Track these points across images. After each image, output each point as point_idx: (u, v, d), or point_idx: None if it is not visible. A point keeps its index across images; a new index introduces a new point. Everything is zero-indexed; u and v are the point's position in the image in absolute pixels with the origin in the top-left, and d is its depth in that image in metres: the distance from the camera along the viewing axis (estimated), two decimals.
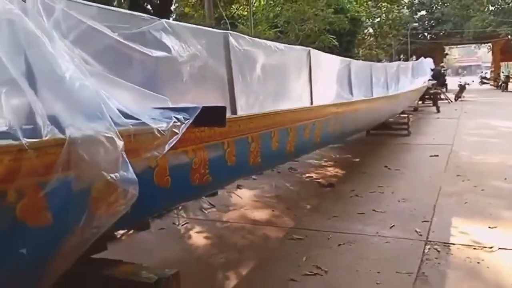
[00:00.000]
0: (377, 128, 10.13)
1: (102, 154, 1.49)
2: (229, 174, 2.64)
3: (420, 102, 16.37)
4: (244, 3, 12.96)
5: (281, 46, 4.42)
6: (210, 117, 2.08)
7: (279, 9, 11.15)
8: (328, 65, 5.86)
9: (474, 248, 3.35)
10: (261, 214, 4.61)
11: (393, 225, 3.95)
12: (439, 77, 18.68)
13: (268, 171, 6.59)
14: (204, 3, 10.95)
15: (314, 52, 5.10)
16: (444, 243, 3.48)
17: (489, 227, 3.77)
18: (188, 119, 1.94)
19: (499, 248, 3.32)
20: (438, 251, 3.33)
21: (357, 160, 7.48)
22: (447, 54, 37.40)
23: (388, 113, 8.97)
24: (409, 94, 11.01)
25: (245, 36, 3.67)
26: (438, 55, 32.77)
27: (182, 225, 4.38)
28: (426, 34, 31.89)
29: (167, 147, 1.83)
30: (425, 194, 4.85)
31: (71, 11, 2.08)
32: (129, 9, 7.09)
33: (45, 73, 1.60)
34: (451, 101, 18.33)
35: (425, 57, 18.01)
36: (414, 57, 21.58)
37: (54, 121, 1.47)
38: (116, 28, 2.30)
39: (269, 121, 2.97)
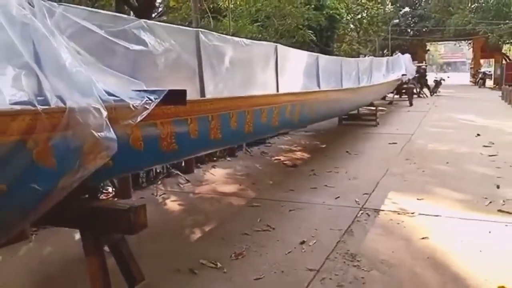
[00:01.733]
0: (348, 118, 10.92)
1: (92, 119, 2.13)
2: (193, 145, 3.29)
3: (397, 96, 17.22)
4: None
5: (248, 41, 5.11)
6: (174, 98, 2.73)
7: (260, 4, 11.71)
8: (296, 59, 6.55)
9: (399, 213, 4.07)
10: (229, 188, 5.29)
11: (338, 197, 4.66)
12: (423, 76, 19.65)
13: (241, 154, 7.29)
14: None
15: (281, 48, 5.80)
16: (375, 209, 4.20)
17: (417, 199, 4.50)
18: (157, 98, 2.59)
19: (419, 214, 4.05)
20: (368, 215, 4.05)
21: (323, 146, 8.19)
22: (428, 50, 38.40)
23: (356, 103, 9.69)
24: (379, 87, 11.76)
25: (214, 33, 4.34)
26: (420, 51, 33.72)
27: (160, 195, 5.04)
28: (409, 30, 32.73)
29: (139, 118, 2.47)
30: (373, 174, 5.58)
31: (67, 14, 2.71)
32: (116, 4, 7.64)
33: (51, 61, 2.22)
34: (426, 96, 19.22)
35: (408, 53, 18.87)
36: (398, 52, 22.42)
37: (58, 95, 2.10)
38: (103, 26, 2.94)
39: (228, 104, 3.62)
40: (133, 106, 2.44)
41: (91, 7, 7.89)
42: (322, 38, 14.58)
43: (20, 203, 2.00)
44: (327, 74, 7.77)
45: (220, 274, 2.97)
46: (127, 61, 3.13)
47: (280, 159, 7.01)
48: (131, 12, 8.05)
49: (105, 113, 2.20)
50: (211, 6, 12.68)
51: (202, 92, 3.94)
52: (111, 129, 2.21)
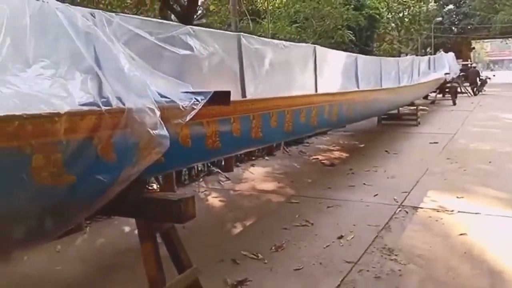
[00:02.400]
0: (387, 118, 10.83)
1: (147, 118, 2.36)
2: (235, 143, 3.49)
3: (440, 96, 16.79)
4: None
5: (287, 44, 5.27)
6: (219, 98, 2.93)
7: (299, 6, 11.83)
8: (334, 59, 6.63)
9: (437, 211, 4.10)
10: (268, 186, 5.47)
11: (376, 195, 4.73)
12: (475, 76, 19.14)
13: (279, 154, 7.45)
14: None
15: (320, 49, 5.91)
16: (414, 207, 4.24)
17: (457, 197, 4.49)
18: (203, 99, 2.80)
19: (458, 211, 4.06)
20: (407, 212, 4.10)
21: (362, 145, 8.21)
22: (473, 48, 36.98)
23: (396, 103, 9.60)
24: (421, 86, 11.57)
25: (255, 37, 4.53)
26: (465, 49, 32.57)
27: (202, 192, 5.29)
28: (453, 28, 31.73)
29: (188, 118, 2.69)
30: (412, 173, 5.58)
31: (123, 23, 2.97)
32: (160, 9, 8.01)
33: (111, 66, 2.48)
34: (471, 95, 18.60)
35: (452, 51, 18.40)
36: (441, 50, 21.84)
37: (118, 97, 2.35)
38: (153, 33, 3.19)
39: (268, 104, 3.80)
40: (182, 106, 2.65)
41: (136, 14, 8.35)
42: (362, 38, 14.51)
43: (87, 193, 2.26)
44: (366, 74, 7.79)
45: (261, 264, 3.14)
46: (175, 65, 3.36)
47: (318, 158, 7.12)
48: (172, 16, 8.44)
49: (158, 113, 2.43)
50: (250, 8, 12.94)
51: (243, 93, 4.14)
52: (164, 128, 2.44)
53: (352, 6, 13.03)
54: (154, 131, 2.38)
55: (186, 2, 7.62)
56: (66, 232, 3.66)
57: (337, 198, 4.68)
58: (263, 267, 3.10)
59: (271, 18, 11.55)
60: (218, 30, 4.48)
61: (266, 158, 7.26)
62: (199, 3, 13.43)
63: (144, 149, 2.38)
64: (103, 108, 2.22)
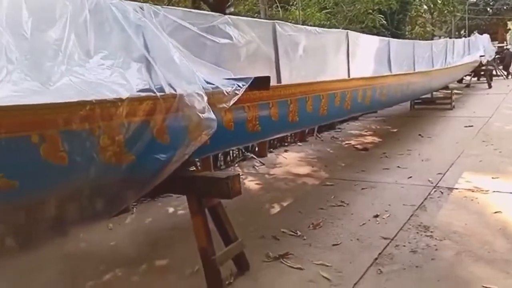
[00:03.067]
0: (421, 103, 10.72)
1: (196, 103, 2.56)
2: (273, 127, 3.67)
3: (475, 79, 16.35)
4: None
5: (320, 30, 5.37)
6: (259, 84, 3.10)
7: None
8: (366, 44, 6.66)
9: (472, 191, 4.15)
10: (302, 170, 5.62)
11: (411, 176, 4.80)
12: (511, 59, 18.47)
13: (311, 139, 7.58)
14: None
15: (352, 34, 5.97)
16: (449, 188, 4.30)
17: (492, 178, 4.51)
18: (244, 85, 2.97)
19: (494, 191, 4.10)
20: (442, 193, 4.17)
21: (395, 130, 8.20)
22: (509, 29, 35.46)
23: (429, 87, 9.50)
24: (455, 69, 11.35)
25: (289, 24, 4.66)
26: (501, 31, 31.29)
27: None
28: (488, 9, 30.52)
29: (231, 103, 2.88)
30: (447, 155, 5.59)
31: (167, 14, 3.16)
32: (193, 1, 8.20)
33: (162, 55, 2.69)
34: (507, 78, 18.00)
35: (487, 33, 17.80)
36: (475, 32, 21.15)
37: (170, 84, 2.55)
38: (195, 24, 3.38)
39: (304, 89, 3.94)
40: (226, 92, 2.85)
41: (167, 5, 8.57)
42: (393, 22, 14.26)
43: (145, 171, 2.49)
44: (399, 57, 7.77)
45: (300, 240, 3.33)
46: (216, 53, 3.55)
47: (350, 143, 7.20)
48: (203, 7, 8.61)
49: (205, 98, 2.63)
50: None
51: (279, 78, 4.29)
52: (211, 111, 2.64)
53: None
54: (202, 115, 2.58)
55: None
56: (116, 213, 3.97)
57: (372, 180, 4.79)
58: (302, 242, 3.28)
59: (300, 5, 11.54)
60: (254, 19, 4.63)
61: (299, 144, 7.41)
62: None
63: (194, 131, 2.59)
64: (158, 94, 2.43)
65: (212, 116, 2.61)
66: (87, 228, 3.62)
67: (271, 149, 6.92)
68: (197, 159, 5.33)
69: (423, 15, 21.55)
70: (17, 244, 2.39)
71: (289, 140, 7.49)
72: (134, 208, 4.43)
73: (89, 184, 2.23)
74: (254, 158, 6.35)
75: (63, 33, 2.35)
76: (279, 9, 11.55)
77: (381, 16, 12.33)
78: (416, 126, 8.21)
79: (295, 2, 12.80)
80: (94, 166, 2.15)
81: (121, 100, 2.23)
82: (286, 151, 6.89)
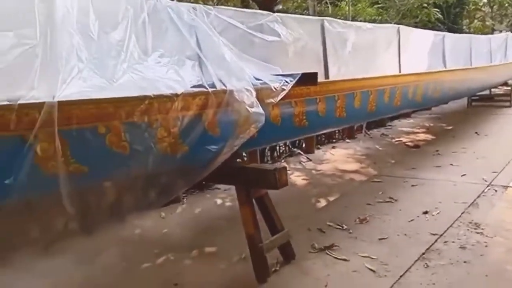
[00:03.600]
0: (478, 100, 10.25)
1: (246, 98, 2.69)
2: (320, 122, 3.72)
3: None
4: None
5: (370, 25, 5.34)
6: (307, 79, 3.18)
7: None
8: (419, 39, 6.51)
9: None
10: (350, 166, 5.62)
11: (464, 174, 4.67)
12: None
13: (360, 136, 7.51)
14: None
15: (404, 28, 5.88)
16: (504, 186, 4.15)
17: None
18: (292, 80, 3.07)
19: None
20: (496, 191, 4.04)
21: (450, 128, 7.93)
22: None
23: (487, 83, 9.08)
24: None
25: (338, 20, 4.69)
26: None
27: None
28: None
29: (278, 98, 2.98)
30: (503, 154, 5.36)
31: (218, 14, 3.31)
32: (242, 0, 8.37)
33: (213, 53, 2.84)
34: None
35: None
36: None
37: (221, 80, 2.70)
38: (244, 22, 3.51)
39: (352, 85, 3.96)
40: (274, 87, 2.96)
41: (217, 5, 8.81)
42: (450, 16, 13.69)
43: (197, 161, 2.66)
44: (455, 52, 7.49)
45: (346, 234, 3.37)
46: (265, 50, 3.66)
47: (401, 140, 7.07)
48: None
49: (254, 93, 2.75)
50: None
51: (326, 74, 4.33)
52: (260, 106, 2.75)
53: None
54: (251, 109, 2.70)
55: None
56: (167, 202, 4.20)
57: (422, 177, 4.71)
58: (348, 236, 3.32)
59: (350, 0, 11.39)
60: (303, 16, 4.70)
61: (347, 140, 7.37)
62: None
63: (243, 125, 2.72)
64: (210, 89, 2.59)
65: (261, 110, 2.73)
66: (142, 215, 3.89)
67: (319, 146, 6.94)
68: (244, 153, 5.51)
69: (482, 8, 20.45)
70: (79, 228, 2.63)
71: (336, 136, 7.47)
72: (185, 199, 4.65)
73: (146, 173, 2.42)
74: (301, 154, 6.41)
75: (124, 34, 2.56)
76: (328, 5, 11.46)
77: (437, 10, 11.88)
78: (472, 124, 7.90)
79: None
80: (152, 155, 2.33)
81: (176, 95, 2.40)
82: (333, 147, 6.89)
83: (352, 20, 9.04)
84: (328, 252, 3.05)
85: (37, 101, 1.85)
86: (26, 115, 1.81)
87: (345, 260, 2.91)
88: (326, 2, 11.35)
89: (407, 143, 6.75)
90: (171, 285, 2.79)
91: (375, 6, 11.84)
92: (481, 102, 10.09)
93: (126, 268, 3.09)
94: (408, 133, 7.74)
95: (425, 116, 9.48)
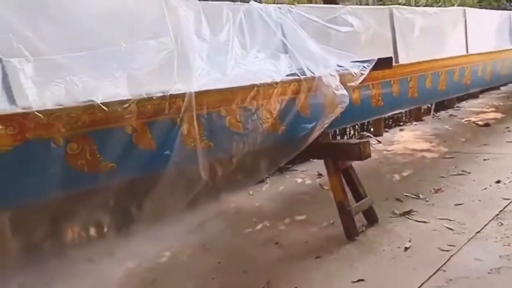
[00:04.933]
0: None
1: (332, 82, 3.13)
2: (394, 102, 4.08)
3: None
4: None
5: (436, 9, 5.57)
6: (382, 64, 3.55)
7: None
8: (485, 19, 6.57)
9: None
10: (420, 146, 5.86)
11: None
12: None
13: (428, 118, 7.64)
14: None
15: (469, 10, 6.01)
16: None
17: None
18: (369, 66, 3.46)
19: None
20: None
21: None
22: None
23: None
24: None
25: (405, 7, 4.98)
26: None
27: None
28: None
29: (358, 82, 3.39)
30: None
31: (298, 11, 3.76)
32: None
33: (301, 45, 3.31)
34: None
35: None
36: None
37: (309, 68, 3.16)
38: (320, 16, 3.93)
39: (423, 67, 4.26)
40: (354, 72, 3.37)
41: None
42: None
43: (293, 138, 3.14)
44: None
45: (423, 202, 3.72)
46: (340, 40, 4.07)
47: (470, 120, 7.14)
48: None
49: (338, 78, 3.19)
50: None
51: (396, 58, 4.65)
52: (344, 89, 3.18)
53: None
54: (337, 92, 3.15)
55: None
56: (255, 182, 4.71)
57: (494, 152, 4.89)
58: (425, 203, 3.67)
59: None
60: (373, 6, 5.03)
61: (414, 123, 7.54)
62: None
63: (330, 106, 3.17)
64: (301, 77, 3.06)
65: (345, 92, 3.16)
66: (236, 192, 4.46)
67: (386, 129, 7.18)
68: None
69: None
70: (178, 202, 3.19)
71: (404, 119, 7.66)
72: (268, 180, 5.17)
73: (255, 148, 2.94)
74: (370, 136, 6.70)
75: (228, 35, 3.09)
76: None
77: None
78: None
79: None
80: (259, 133, 2.85)
81: (276, 83, 2.91)
82: (401, 130, 7.11)
83: (415, 4, 9.10)
84: (408, 217, 3.42)
85: (180, 92, 2.42)
86: (174, 103, 2.38)
87: (424, 222, 3.27)
88: None
89: (476, 122, 6.83)
90: (272, 243, 3.31)
91: None
92: None
93: (231, 233, 3.66)
94: (477, 112, 7.75)
95: (494, 96, 9.34)
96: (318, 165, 5.27)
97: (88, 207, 2.67)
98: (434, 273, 2.54)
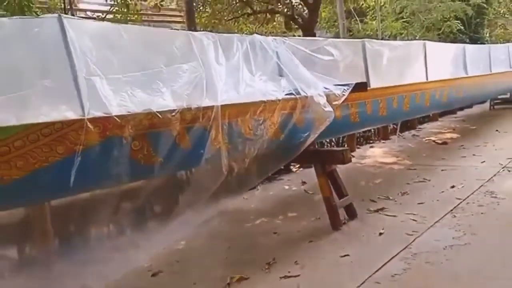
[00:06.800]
0: (500, 103, 11.17)
1: (320, 101, 3.90)
2: (369, 119, 4.91)
3: None
4: None
5: (402, 43, 6.52)
6: (359, 87, 4.37)
7: (405, 2, 12.60)
8: (442, 51, 7.63)
9: None
10: (387, 160, 6.73)
11: (484, 161, 5.73)
12: None
13: (394, 138, 8.59)
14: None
15: (429, 43, 7.01)
16: None
17: None
18: (349, 88, 4.26)
19: None
20: (509, 171, 5.10)
21: (473, 127, 8.96)
22: None
23: (507, 86, 10.02)
24: None
25: (375, 40, 5.88)
26: None
27: None
28: None
29: (340, 101, 4.18)
30: None
31: (290, 42, 4.53)
32: (285, 23, 9.71)
33: (295, 70, 4.08)
34: None
35: None
36: None
37: (302, 89, 3.91)
38: (307, 47, 4.72)
39: (390, 91, 5.13)
40: (337, 94, 4.16)
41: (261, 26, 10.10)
42: (471, 26, 14.61)
43: (289, 145, 3.86)
44: (475, 61, 8.55)
45: (392, 202, 4.50)
46: (323, 67, 4.87)
47: (430, 139, 8.13)
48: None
49: (325, 97, 3.97)
50: (354, 7, 13.86)
51: (368, 83, 5.50)
52: (330, 106, 3.96)
53: None
54: (325, 108, 3.91)
55: (307, 15, 9.16)
56: (247, 188, 5.34)
57: (450, 165, 5.80)
58: (393, 203, 4.46)
59: (375, 16, 12.46)
60: (349, 39, 5.91)
61: (383, 141, 8.47)
62: None
63: (319, 119, 3.93)
64: (297, 96, 3.81)
65: (331, 109, 3.93)
66: (233, 197, 5.11)
67: (358, 146, 8.06)
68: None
69: (504, 16, 21.19)
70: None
71: (373, 138, 8.57)
72: (258, 187, 5.85)
73: (262, 151, 3.64)
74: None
75: (238, 62, 3.81)
76: (358, 22, 12.64)
77: (458, 22, 12.87)
78: (493, 124, 8.88)
79: (371, 13, 13.73)
80: (265, 139, 3.56)
81: (278, 100, 3.64)
82: (371, 147, 8.01)
83: (380, 35, 10.19)
84: (380, 212, 4.20)
85: (209, 105, 3.11)
86: (206, 113, 3.06)
87: (394, 216, 4.05)
88: (356, 20, 12.55)
89: (436, 141, 7.81)
90: (271, 233, 3.98)
91: (401, 20, 12.95)
92: (503, 105, 11.02)
93: (234, 226, 4.31)
94: (436, 133, 8.78)
95: (451, 119, 10.49)
96: (301, 175, 6.07)
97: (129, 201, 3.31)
98: (403, 250, 3.29)
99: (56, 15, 2.65)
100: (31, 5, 4.58)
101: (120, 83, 2.75)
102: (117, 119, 2.51)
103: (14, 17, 3.04)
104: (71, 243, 4.08)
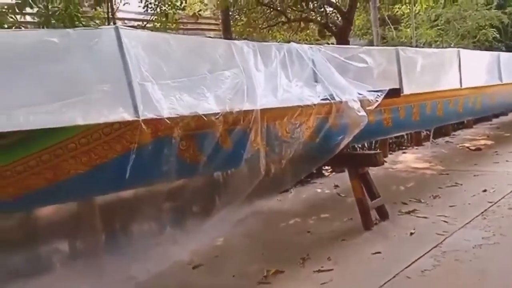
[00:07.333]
0: None
1: (354, 106, 4.07)
2: (401, 124, 5.03)
3: None
4: (406, 2, 14.31)
5: (436, 50, 6.58)
6: (392, 93, 4.51)
7: (440, 10, 12.52)
8: (477, 58, 7.62)
9: None
10: (420, 165, 6.78)
11: None
12: None
13: (427, 144, 8.59)
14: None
15: (463, 51, 7.04)
16: None
17: None
18: (382, 94, 4.42)
19: None
20: None
21: (507, 134, 8.84)
22: None
23: None
24: None
25: (409, 48, 5.98)
26: None
27: None
28: None
29: (373, 107, 4.34)
30: None
31: (325, 50, 4.73)
32: (319, 31, 9.88)
33: (330, 77, 4.27)
34: None
35: None
36: None
37: (337, 94, 4.10)
38: (342, 54, 4.90)
39: (424, 97, 5.23)
40: (370, 99, 4.32)
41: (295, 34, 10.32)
42: (507, 34, 14.33)
43: (325, 148, 4.05)
44: (509, 68, 8.45)
45: (423, 205, 4.60)
46: (357, 73, 5.04)
47: (464, 145, 8.09)
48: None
49: (359, 103, 4.14)
50: (388, 15, 13.86)
51: (402, 90, 5.62)
52: (363, 111, 4.12)
53: (495, 4, 13.06)
54: (359, 113, 4.09)
55: (341, 22, 9.31)
56: (281, 191, 5.54)
57: (483, 170, 5.81)
58: (424, 206, 4.55)
59: (409, 24, 12.43)
60: (383, 47, 6.06)
61: (415, 148, 8.48)
62: None
63: (353, 124, 4.11)
64: (332, 101, 4.01)
65: (364, 114, 4.10)
66: (267, 197, 5.33)
67: (391, 152, 8.11)
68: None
69: None
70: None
71: (406, 144, 8.60)
72: (292, 189, 6.05)
73: (299, 154, 3.84)
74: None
75: (276, 68, 4.05)
76: (392, 29, 12.65)
77: (494, 30, 12.65)
78: None
79: (405, 21, 13.69)
80: (301, 142, 3.77)
81: (314, 105, 3.85)
82: (404, 153, 8.05)
83: (415, 42, 10.21)
84: (412, 214, 4.31)
85: (249, 109, 3.35)
86: (246, 116, 3.31)
87: (425, 217, 4.16)
88: (390, 27, 12.58)
89: (469, 147, 7.78)
90: (305, 232, 4.17)
91: (435, 28, 12.87)
92: None
93: (269, 226, 4.52)
94: (470, 140, 8.72)
95: (486, 126, 10.35)
96: (333, 179, 6.23)
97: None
98: (433, 248, 3.42)
99: (113, 26, 2.97)
100: (79, 14, 5.00)
101: (169, 88, 3.03)
102: (167, 121, 2.79)
103: (73, 28, 3.37)
104: (117, 238, 4.39)
